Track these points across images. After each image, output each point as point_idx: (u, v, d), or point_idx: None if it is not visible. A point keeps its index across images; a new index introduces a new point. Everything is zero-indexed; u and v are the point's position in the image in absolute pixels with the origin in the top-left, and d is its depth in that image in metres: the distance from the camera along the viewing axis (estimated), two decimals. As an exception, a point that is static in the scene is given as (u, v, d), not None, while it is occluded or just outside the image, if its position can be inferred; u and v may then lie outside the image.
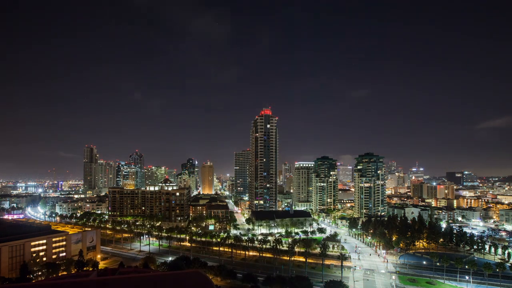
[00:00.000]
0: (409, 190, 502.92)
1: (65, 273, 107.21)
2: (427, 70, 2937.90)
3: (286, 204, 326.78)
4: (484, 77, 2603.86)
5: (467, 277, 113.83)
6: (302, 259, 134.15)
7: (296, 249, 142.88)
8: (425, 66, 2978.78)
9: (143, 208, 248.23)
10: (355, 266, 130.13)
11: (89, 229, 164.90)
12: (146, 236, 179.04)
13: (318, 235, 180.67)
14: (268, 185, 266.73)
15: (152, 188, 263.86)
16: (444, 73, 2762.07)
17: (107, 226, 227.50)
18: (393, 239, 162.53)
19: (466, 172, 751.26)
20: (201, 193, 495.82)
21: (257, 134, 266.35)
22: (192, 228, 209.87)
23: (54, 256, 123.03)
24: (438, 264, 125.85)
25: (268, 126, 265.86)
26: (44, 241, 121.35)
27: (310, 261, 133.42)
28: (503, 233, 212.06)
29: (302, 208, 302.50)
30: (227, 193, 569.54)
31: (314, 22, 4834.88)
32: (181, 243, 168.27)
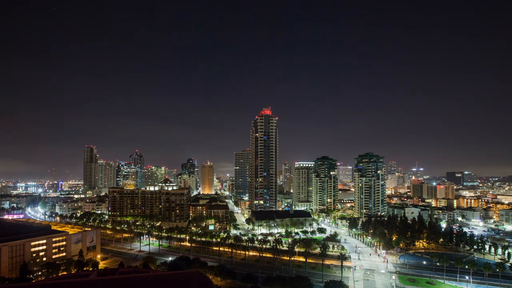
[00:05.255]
0: (409, 190, 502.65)
1: (65, 273, 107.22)
2: (427, 71, 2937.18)
3: (286, 204, 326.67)
4: (485, 76, 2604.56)
5: (467, 277, 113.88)
6: (302, 259, 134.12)
7: (296, 249, 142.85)
8: (425, 67, 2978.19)
9: (143, 208, 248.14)
10: (355, 266, 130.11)
11: (89, 229, 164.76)
12: (146, 236, 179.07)
13: (318, 235, 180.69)
14: (268, 185, 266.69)
15: (152, 188, 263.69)
16: (444, 73, 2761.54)
17: (107, 226, 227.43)
18: (393, 239, 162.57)
19: (466, 172, 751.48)
20: (201, 193, 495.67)
21: (257, 134, 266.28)
22: (192, 228, 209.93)
23: (54, 256, 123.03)
24: (438, 264, 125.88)
25: (268, 126, 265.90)
26: (44, 241, 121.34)
27: (310, 261, 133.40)
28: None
29: (302, 208, 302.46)
30: (227, 193, 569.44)
31: (314, 25, 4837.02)
32: (181, 243, 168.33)
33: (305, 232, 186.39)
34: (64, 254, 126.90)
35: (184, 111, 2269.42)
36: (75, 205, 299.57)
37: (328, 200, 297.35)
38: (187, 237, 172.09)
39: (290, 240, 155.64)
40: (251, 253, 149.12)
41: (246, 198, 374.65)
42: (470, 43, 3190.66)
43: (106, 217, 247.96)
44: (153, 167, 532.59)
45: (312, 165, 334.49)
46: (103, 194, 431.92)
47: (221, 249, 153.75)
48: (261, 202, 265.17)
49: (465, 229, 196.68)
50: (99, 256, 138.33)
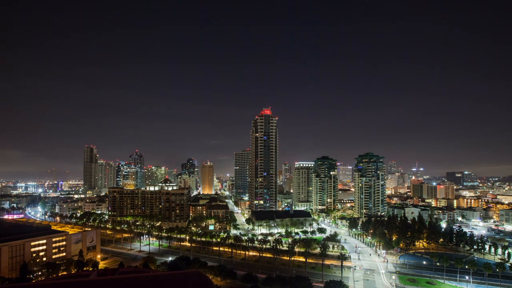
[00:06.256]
0: (409, 190, 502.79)
1: (65, 273, 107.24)
2: (426, 70, 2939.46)
3: (286, 204, 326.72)
4: (485, 76, 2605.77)
5: (467, 277, 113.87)
6: (302, 259, 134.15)
7: (296, 249, 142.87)
8: (425, 67, 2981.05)
9: (143, 208, 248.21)
10: (355, 266, 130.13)
11: (89, 229, 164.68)
12: (146, 236, 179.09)
13: (318, 235, 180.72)
14: (268, 185, 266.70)
15: (152, 188, 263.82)
16: (444, 73, 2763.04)
17: (107, 226, 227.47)
18: (393, 239, 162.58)
19: (466, 172, 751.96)
20: (201, 193, 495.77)
21: (257, 134, 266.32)
22: (192, 228, 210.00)
23: (54, 256, 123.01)
24: (438, 264, 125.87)
25: (268, 126, 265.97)
26: (44, 241, 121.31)
27: (310, 261, 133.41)
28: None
29: (302, 208, 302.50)
30: (227, 193, 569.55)
31: (315, 25, 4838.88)
32: (181, 243, 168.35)
33: (305, 232, 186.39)
34: (64, 254, 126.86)
35: (185, 111, 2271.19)
36: (75, 205, 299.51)
37: (328, 200, 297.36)
38: (187, 237, 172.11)
39: (290, 240, 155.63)
40: (251, 253, 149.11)
41: (246, 198, 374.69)
42: (470, 41, 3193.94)
43: (106, 217, 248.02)
44: (153, 167, 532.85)
45: (312, 165, 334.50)
46: (103, 194, 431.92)
47: (221, 249, 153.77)
48: (261, 202, 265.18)
49: (465, 229, 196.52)
50: (99, 256, 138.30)
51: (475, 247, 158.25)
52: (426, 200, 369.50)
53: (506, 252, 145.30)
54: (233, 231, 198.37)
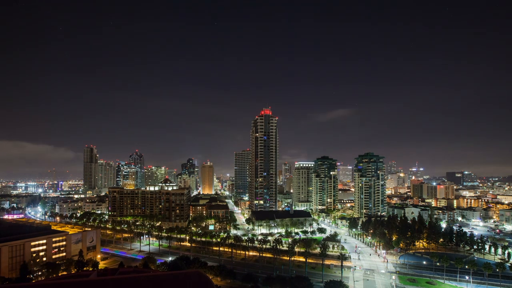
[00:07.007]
0: (409, 190, 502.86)
1: (65, 273, 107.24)
2: (426, 70, 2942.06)
3: (286, 204, 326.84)
4: (490, 74, 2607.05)
5: (467, 277, 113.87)
6: (302, 259, 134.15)
7: (296, 249, 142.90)
8: (425, 66, 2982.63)
9: (143, 208, 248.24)
10: (355, 266, 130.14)
11: (89, 229, 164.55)
12: (146, 236, 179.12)
13: (318, 235, 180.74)
14: (268, 185, 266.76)
15: (152, 188, 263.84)
16: (444, 73, 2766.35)
17: (107, 226, 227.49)
18: (393, 239, 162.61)
19: (466, 172, 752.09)
20: (201, 193, 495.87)
21: (257, 134, 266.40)
22: (192, 228, 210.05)
23: (54, 256, 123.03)
24: (438, 264, 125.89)
25: (268, 126, 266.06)
26: (44, 241, 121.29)
27: (310, 261, 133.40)
28: None
29: (302, 208, 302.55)
30: (227, 193, 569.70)
31: (315, 23, 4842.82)
32: (181, 243, 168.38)
33: (305, 232, 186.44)
34: (64, 254, 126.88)
35: (185, 111, 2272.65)
36: (75, 205, 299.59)
37: (328, 200, 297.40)
38: (187, 237, 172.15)
39: (290, 240, 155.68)
40: (251, 253, 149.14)
41: (246, 198, 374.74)
42: (470, 40, 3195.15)
43: (106, 217, 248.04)
44: (153, 167, 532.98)
45: (312, 165, 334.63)
46: (103, 194, 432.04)
47: (221, 249, 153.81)
48: (261, 202, 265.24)
49: (465, 229, 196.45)
50: (99, 256, 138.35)
51: (475, 247, 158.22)
52: (426, 200, 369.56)
53: (506, 252, 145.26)
54: (233, 231, 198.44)
